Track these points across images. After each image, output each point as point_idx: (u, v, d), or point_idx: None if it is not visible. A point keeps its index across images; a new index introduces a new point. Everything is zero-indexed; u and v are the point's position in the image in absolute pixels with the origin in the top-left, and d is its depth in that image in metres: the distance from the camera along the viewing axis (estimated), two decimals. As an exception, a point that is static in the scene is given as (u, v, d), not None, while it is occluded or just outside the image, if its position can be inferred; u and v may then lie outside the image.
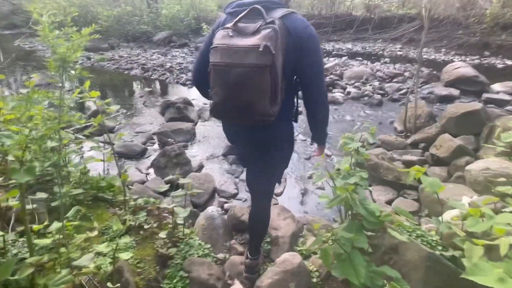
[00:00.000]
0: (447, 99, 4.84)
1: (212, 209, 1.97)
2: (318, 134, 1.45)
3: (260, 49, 1.01)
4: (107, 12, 11.02)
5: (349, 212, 1.57)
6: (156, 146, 3.62)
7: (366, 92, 5.24)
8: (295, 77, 1.24)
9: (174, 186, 2.36)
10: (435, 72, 5.94)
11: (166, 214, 2.01)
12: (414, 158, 2.91)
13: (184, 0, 12.04)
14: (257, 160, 1.43)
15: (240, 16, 1.11)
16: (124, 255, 1.22)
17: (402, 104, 4.82)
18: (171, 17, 10.75)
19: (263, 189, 1.54)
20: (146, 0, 11.79)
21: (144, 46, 10.48)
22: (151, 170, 3.00)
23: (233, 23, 1.11)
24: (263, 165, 1.43)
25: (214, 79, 1.12)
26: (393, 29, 10.71)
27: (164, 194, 2.49)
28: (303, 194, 2.66)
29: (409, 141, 3.47)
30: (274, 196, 2.48)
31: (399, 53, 8.86)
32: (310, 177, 2.89)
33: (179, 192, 1.83)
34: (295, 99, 1.33)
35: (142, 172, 3.04)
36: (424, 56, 8.37)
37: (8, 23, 17.19)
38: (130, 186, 2.69)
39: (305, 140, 3.68)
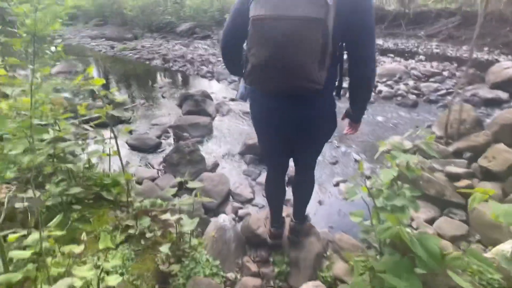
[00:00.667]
0: (494, 103, 4.30)
1: (224, 218, 1.72)
2: (359, 108, 1.34)
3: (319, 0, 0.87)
4: (132, 2, 11.03)
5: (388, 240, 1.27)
6: (171, 140, 3.43)
7: (399, 92, 4.78)
8: (340, 43, 1.09)
9: (184, 186, 2.14)
10: (478, 72, 5.35)
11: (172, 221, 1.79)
12: (459, 170, 2.51)
13: (209, -9, 11.83)
14: (303, 135, 1.30)
15: None
16: (112, 280, 0.99)
17: (441, 106, 4.35)
18: (195, 8, 10.59)
19: (308, 163, 1.50)
20: (171, -10, 11.69)
21: (168, 37, 10.40)
22: (164, 166, 2.80)
23: None
24: (307, 142, 1.35)
25: (254, 36, 0.98)
26: (430, 25, 9.95)
27: (175, 194, 2.28)
28: (328, 205, 2.35)
29: (451, 148, 3.05)
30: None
31: (435, 50, 8.17)
32: (336, 185, 2.58)
33: (186, 200, 1.59)
34: (339, 71, 1.17)
35: (154, 168, 2.85)
36: (464, 55, 7.67)
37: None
38: (138, 185, 2.50)
39: (330, 142, 3.34)
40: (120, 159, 1.80)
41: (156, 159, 2.96)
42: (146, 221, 1.64)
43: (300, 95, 1.13)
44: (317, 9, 0.90)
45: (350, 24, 1.02)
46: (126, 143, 3.28)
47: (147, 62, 7.21)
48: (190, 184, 1.55)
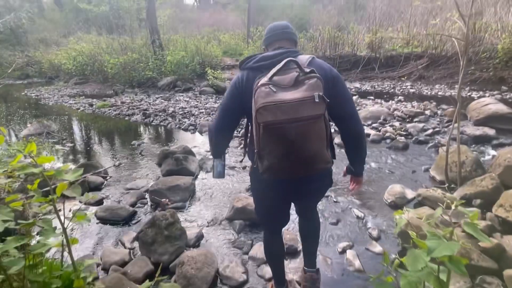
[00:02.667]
0: (483, 140, 4.24)
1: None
2: (360, 164, 1.45)
3: (317, 100, 1.02)
4: (113, 60, 11.19)
5: None
6: (147, 207, 3.01)
7: (387, 134, 4.68)
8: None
9: (162, 270, 1.71)
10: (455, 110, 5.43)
11: None
12: (478, 223, 2.22)
13: (190, 46, 12.29)
14: (309, 196, 1.46)
15: (276, 70, 1.10)
16: None
17: (432, 146, 4.23)
18: (175, 63, 10.82)
19: (313, 206, 1.69)
20: (152, 48, 12.04)
21: (149, 92, 10.40)
22: (137, 244, 2.35)
23: (269, 78, 1.09)
24: (315, 196, 1.53)
25: (268, 138, 1.08)
26: (400, 67, 10.55)
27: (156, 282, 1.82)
28: (338, 283, 1.95)
29: (457, 195, 2.81)
30: (299, 292, 1.79)
31: (411, 90, 8.49)
32: (342, 252, 2.20)
33: None
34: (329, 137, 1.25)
35: (125, 246, 2.39)
36: (439, 93, 7.98)
37: (22, 73, 17.88)
38: (101, 275, 2.03)
39: (327, 196, 3.03)
40: (71, 257, 1.39)
41: (128, 234, 2.51)
42: None
43: (313, 177, 1.30)
44: (320, 107, 1.04)
45: (337, 103, 1.20)
46: (95, 215, 2.84)
47: (127, 118, 6.98)
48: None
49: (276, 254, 1.63)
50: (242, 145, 4.66)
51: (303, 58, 1.19)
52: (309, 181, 1.30)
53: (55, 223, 1.45)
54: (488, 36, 9.53)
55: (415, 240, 1.08)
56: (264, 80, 1.09)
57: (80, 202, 3.09)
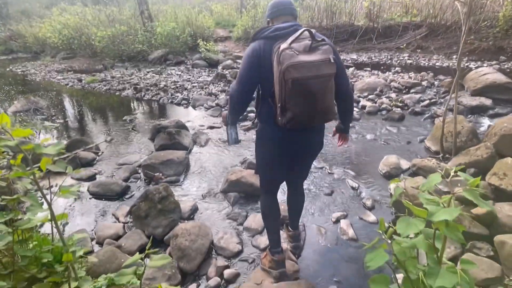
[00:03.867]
0: (480, 110, 4.20)
1: (204, 299, 1.29)
2: (348, 122, 1.71)
3: (332, 61, 1.26)
4: (101, 33, 10.67)
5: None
6: (141, 182, 2.98)
7: (383, 106, 4.62)
8: None
9: (157, 243, 1.70)
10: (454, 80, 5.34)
11: (136, 308, 1.34)
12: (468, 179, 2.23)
13: (180, 17, 11.73)
14: (304, 163, 1.70)
15: (294, 37, 1.27)
16: None
17: (428, 117, 4.19)
18: (166, 35, 10.36)
19: (302, 181, 1.87)
20: (141, 19, 11.47)
21: (139, 66, 10.04)
22: (131, 218, 2.34)
23: (288, 44, 1.25)
24: (309, 163, 1.74)
25: (295, 92, 1.26)
26: (398, 38, 10.25)
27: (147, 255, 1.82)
28: (331, 250, 1.97)
29: (450, 164, 2.81)
30: (294, 261, 1.81)
31: (408, 61, 8.31)
32: (336, 222, 2.22)
33: (156, 261, 1.14)
34: None
35: (119, 221, 2.38)
36: (437, 64, 7.83)
37: (6, 49, 17.10)
38: (96, 249, 2.03)
39: (321, 168, 3.02)
40: (58, 229, 1.35)
41: (122, 208, 2.50)
42: (95, 319, 1.19)
43: (318, 129, 1.55)
44: (333, 67, 1.28)
45: (337, 67, 1.35)
46: (87, 191, 2.80)
47: (117, 93, 6.77)
48: (152, 263, 1.13)
49: (273, 217, 1.74)
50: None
51: (314, 32, 1.33)
52: (313, 134, 1.52)
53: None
54: (489, 3, 9.20)
55: (411, 206, 1.05)
56: (285, 45, 1.25)
57: (72, 178, 3.05)
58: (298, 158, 1.60)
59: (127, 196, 2.75)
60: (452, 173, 1.02)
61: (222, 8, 15.81)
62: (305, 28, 1.30)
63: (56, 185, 2.94)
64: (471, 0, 2.67)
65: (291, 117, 1.31)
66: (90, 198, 2.73)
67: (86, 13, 13.63)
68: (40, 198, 1.68)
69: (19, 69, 11.08)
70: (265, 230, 2.01)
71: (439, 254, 0.97)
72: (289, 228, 1.97)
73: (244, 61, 1.41)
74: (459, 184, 2.42)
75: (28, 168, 1.33)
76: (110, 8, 14.09)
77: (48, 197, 1.40)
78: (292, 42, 1.26)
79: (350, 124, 1.71)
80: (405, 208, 1.23)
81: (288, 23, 1.39)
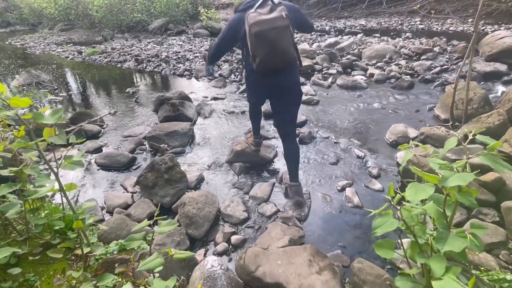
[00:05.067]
0: (494, 77, 4.03)
1: (213, 263, 1.33)
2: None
3: (284, 16, 1.69)
4: (97, 2, 10.26)
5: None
6: (147, 153, 2.99)
7: (392, 73, 4.46)
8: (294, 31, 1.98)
9: (165, 211, 1.73)
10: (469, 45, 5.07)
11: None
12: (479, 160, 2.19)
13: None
14: (287, 107, 2.04)
15: (257, 4, 1.76)
16: None
17: (438, 85, 4.05)
18: (165, 2, 9.92)
19: (293, 130, 2.20)
20: (138, -14, 10.94)
21: (140, 36, 9.76)
22: (139, 188, 2.38)
23: (254, 9, 1.74)
24: (292, 110, 2.06)
25: (258, 42, 1.71)
26: (410, 1, 9.66)
27: (156, 222, 1.87)
28: (336, 217, 2.00)
29: (460, 132, 2.75)
30: (299, 227, 1.84)
31: (420, 26, 7.90)
32: (342, 190, 2.23)
33: (164, 227, 1.17)
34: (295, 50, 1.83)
35: (127, 191, 2.43)
36: (451, 28, 7.42)
37: (2, 21, 16.67)
38: (107, 217, 2.08)
39: (327, 137, 2.98)
40: (67, 197, 1.38)
41: (129, 179, 2.53)
42: (108, 280, 1.24)
43: (288, 71, 1.89)
44: (286, 20, 1.69)
45: (299, 22, 1.97)
46: (95, 162, 2.84)
47: (119, 65, 6.64)
48: (160, 229, 1.15)
49: (256, 116, 2.51)
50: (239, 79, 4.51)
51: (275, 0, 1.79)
52: (285, 79, 1.91)
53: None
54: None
55: (421, 173, 1.02)
56: (252, 10, 1.73)
57: (79, 150, 3.07)
58: (277, 101, 2.03)
59: (134, 167, 2.77)
60: (470, 136, 0.98)
61: (223, -28, 14.90)
62: None
63: (60, 160, 2.98)
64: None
65: (259, 61, 1.74)
66: (98, 170, 2.77)
67: (81, -20, 13.01)
68: (46, 170, 1.70)
69: (18, 42, 10.85)
70: (270, 199, 2.20)
71: (448, 220, 0.96)
72: (290, 182, 2.16)
73: (224, 29, 1.94)
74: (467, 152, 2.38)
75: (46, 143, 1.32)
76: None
77: (55, 169, 1.41)
78: (257, 7, 1.74)
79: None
80: (412, 175, 1.20)
81: None
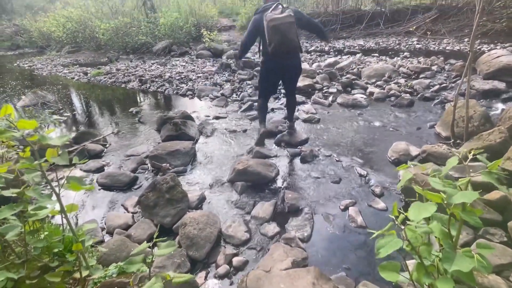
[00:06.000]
0: (493, 94, 4.08)
1: (214, 286, 1.30)
2: (324, 36, 3.09)
3: (291, 15, 2.59)
4: (104, 25, 10.63)
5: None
6: (148, 172, 2.99)
7: (392, 92, 4.52)
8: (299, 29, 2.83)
9: (165, 231, 1.71)
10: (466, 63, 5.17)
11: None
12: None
13: (183, 7, 11.59)
14: (290, 83, 3.13)
15: (272, 8, 2.65)
16: None
17: (438, 103, 4.09)
18: (169, 25, 10.27)
19: (294, 90, 3.27)
20: (144, 10, 11.38)
21: (144, 57, 10.02)
22: (140, 208, 2.36)
23: (270, 11, 2.63)
24: (294, 85, 3.17)
25: (273, 32, 2.58)
26: (407, 22, 9.95)
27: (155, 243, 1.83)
28: (340, 238, 1.96)
29: (462, 150, 2.74)
30: (302, 249, 1.81)
31: (417, 46, 8.08)
32: (345, 209, 2.20)
33: (164, 249, 1.15)
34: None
35: (128, 211, 2.41)
36: (447, 48, 7.59)
37: (12, 44, 17.23)
38: (106, 239, 2.05)
39: (329, 156, 2.98)
40: (67, 219, 1.37)
41: (131, 199, 2.52)
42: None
43: (292, 54, 2.79)
44: (292, 18, 2.58)
45: (300, 22, 2.77)
46: (96, 182, 2.83)
47: (123, 86, 6.78)
48: (160, 251, 1.13)
49: (263, 110, 3.27)
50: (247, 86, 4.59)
51: (284, 5, 2.69)
52: (292, 61, 2.87)
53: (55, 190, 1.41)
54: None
55: (423, 192, 1.02)
56: (268, 12, 2.61)
57: (81, 170, 3.08)
58: (285, 75, 3.03)
59: (135, 187, 2.77)
60: (470, 156, 0.98)
61: (225, -4, 15.54)
62: (278, 3, 2.73)
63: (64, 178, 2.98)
64: (485, -23, 2.54)
65: (274, 46, 2.60)
66: (99, 189, 2.76)
67: (89, 5, 13.56)
68: (48, 190, 1.70)
69: (26, 64, 11.16)
70: (272, 219, 2.16)
71: (454, 240, 0.94)
72: (287, 121, 3.43)
73: (249, 26, 2.85)
74: (471, 170, 2.36)
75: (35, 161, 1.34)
76: (112, 0, 13.99)
77: (56, 189, 1.41)
78: (272, 10, 2.64)
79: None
80: (415, 194, 1.19)
81: (270, 2, 2.78)
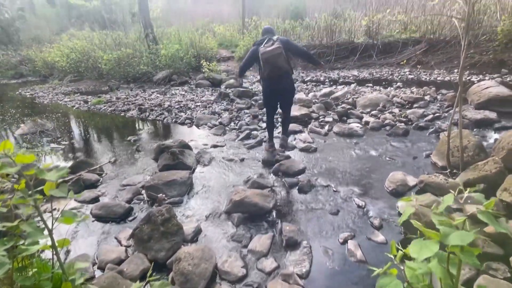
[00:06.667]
0: (485, 124, 4.17)
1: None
2: (314, 61, 3.67)
3: (279, 46, 3.21)
4: (107, 56, 11.00)
5: None
6: (144, 203, 2.95)
7: (387, 121, 4.60)
8: (288, 55, 3.35)
9: (159, 267, 1.65)
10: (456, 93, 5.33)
11: None
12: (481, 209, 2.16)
13: (184, 39, 12.08)
14: (285, 102, 3.63)
15: (264, 42, 3.33)
16: None
17: (432, 132, 4.16)
18: (170, 56, 10.65)
19: (288, 107, 3.72)
20: (146, 42, 11.85)
21: (144, 86, 10.26)
22: (133, 241, 2.29)
23: (263, 45, 3.30)
24: (288, 104, 3.68)
25: (265, 62, 3.22)
26: (398, 53, 10.40)
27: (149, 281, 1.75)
28: (340, 273, 1.90)
29: (459, 180, 2.75)
30: (301, 286, 1.75)
31: (410, 76, 8.38)
32: (344, 243, 2.15)
33: None
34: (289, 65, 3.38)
35: (121, 244, 2.34)
36: (438, 78, 7.87)
37: (16, 73, 17.66)
38: (97, 274, 1.98)
39: (327, 186, 2.97)
40: (58, 256, 1.33)
41: (124, 231, 2.46)
42: None
43: (284, 77, 3.34)
44: (279, 50, 3.21)
45: (289, 49, 3.37)
46: (91, 213, 2.78)
47: (122, 114, 6.88)
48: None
49: (271, 126, 3.79)
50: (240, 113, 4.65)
51: (275, 37, 3.33)
52: (283, 83, 3.37)
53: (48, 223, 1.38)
54: (487, 19, 9.36)
55: (423, 229, 1.01)
56: (262, 46, 3.28)
57: (76, 200, 3.03)
58: (280, 94, 3.52)
59: (130, 218, 2.71)
60: (466, 194, 0.98)
61: (225, 29, 16.29)
62: (269, 38, 3.34)
63: (58, 210, 2.92)
64: (468, 16, 2.70)
65: (267, 72, 3.25)
66: (92, 221, 2.70)
67: (93, 37, 14.12)
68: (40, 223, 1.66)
69: (28, 92, 11.37)
70: (270, 253, 2.11)
71: (454, 280, 0.92)
72: (281, 135, 3.84)
73: (248, 54, 3.48)
74: (469, 201, 2.36)
75: (29, 193, 1.33)
76: (116, 32, 14.60)
77: (49, 222, 1.38)
78: (265, 44, 3.29)
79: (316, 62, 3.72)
80: (415, 228, 1.18)
81: (265, 36, 3.44)
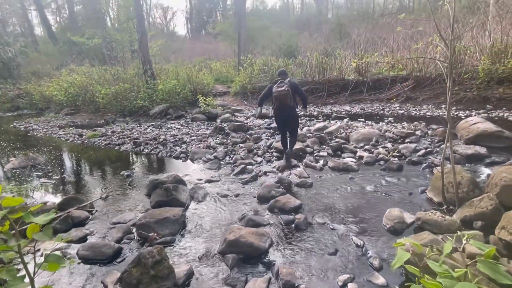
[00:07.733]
0: (476, 159, 4.24)
1: None
2: (306, 106, 4.81)
3: (287, 89, 4.35)
4: (104, 90, 11.22)
5: None
6: (134, 243, 2.82)
7: (380, 156, 4.66)
8: (294, 95, 4.50)
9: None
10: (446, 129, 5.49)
11: None
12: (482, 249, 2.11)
13: (181, 75, 12.48)
14: (290, 127, 4.74)
15: (277, 83, 4.46)
16: None
17: (426, 167, 4.20)
18: (167, 91, 10.91)
19: (294, 131, 4.77)
20: (144, 77, 12.19)
21: (140, 120, 10.36)
22: (121, 286, 2.15)
23: (276, 85, 4.45)
24: (292, 129, 4.74)
25: (275, 100, 4.43)
26: (388, 89, 10.84)
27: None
28: (340, 321, 1.78)
29: (456, 217, 2.72)
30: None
31: (400, 111, 8.65)
32: (343, 286, 2.05)
33: None
34: (294, 101, 4.51)
35: (108, 290, 2.19)
36: (427, 114, 8.14)
37: (12, 106, 17.77)
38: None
39: (323, 223, 2.91)
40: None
41: (112, 274, 2.32)
42: None
43: (287, 109, 4.47)
44: (288, 90, 4.34)
45: (295, 91, 4.49)
46: (77, 254, 2.64)
47: (117, 148, 6.85)
48: None
49: (284, 144, 4.82)
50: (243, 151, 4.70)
51: (286, 80, 4.47)
52: (287, 114, 4.51)
53: (29, 267, 1.30)
54: (468, 58, 9.95)
55: (424, 282, 0.97)
56: (275, 86, 4.45)
57: (62, 239, 2.89)
58: (285, 122, 4.63)
59: (118, 260, 2.57)
60: (464, 241, 0.97)
61: (221, 65, 16.96)
62: (281, 79, 4.48)
63: (42, 250, 2.77)
64: (451, 59, 2.88)
65: (276, 106, 4.46)
66: (78, 263, 2.55)
67: (93, 72, 14.50)
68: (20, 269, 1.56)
69: (22, 125, 11.36)
70: None
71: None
72: (288, 151, 4.65)
73: (265, 89, 4.66)
74: (469, 240, 2.31)
75: (13, 232, 1.27)
76: (115, 67, 15.05)
77: (32, 267, 1.31)
78: (276, 84, 4.44)
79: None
80: (415, 276, 1.14)
81: (279, 78, 4.56)
